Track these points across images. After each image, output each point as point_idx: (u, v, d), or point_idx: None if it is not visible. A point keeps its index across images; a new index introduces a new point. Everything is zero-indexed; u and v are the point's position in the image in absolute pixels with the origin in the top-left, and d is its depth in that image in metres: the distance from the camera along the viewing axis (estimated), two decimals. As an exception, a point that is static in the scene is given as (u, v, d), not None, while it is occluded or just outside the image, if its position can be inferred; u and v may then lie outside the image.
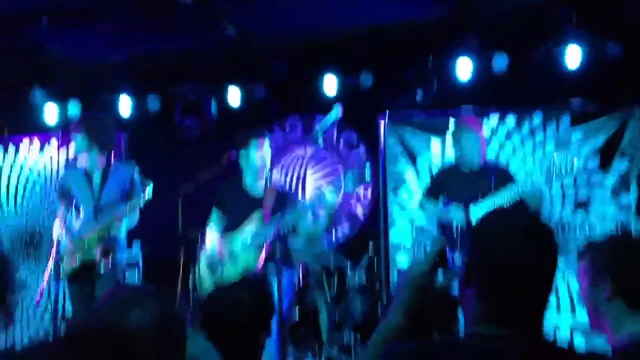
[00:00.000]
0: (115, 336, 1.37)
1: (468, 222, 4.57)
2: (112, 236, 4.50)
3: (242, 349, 2.42)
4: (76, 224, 4.46)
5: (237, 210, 4.53)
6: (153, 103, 6.90)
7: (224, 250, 4.48)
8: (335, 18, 5.80)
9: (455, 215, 4.61)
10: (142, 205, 4.56)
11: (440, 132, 6.08)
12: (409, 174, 6.20)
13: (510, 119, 6.01)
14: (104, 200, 4.51)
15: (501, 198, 4.54)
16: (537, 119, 5.88)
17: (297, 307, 5.31)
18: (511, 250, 1.48)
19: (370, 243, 5.86)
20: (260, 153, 4.50)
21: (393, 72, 6.28)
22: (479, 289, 1.51)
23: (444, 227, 4.71)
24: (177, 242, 6.07)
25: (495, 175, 4.68)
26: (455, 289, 1.63)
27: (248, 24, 5.92)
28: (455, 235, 4.59)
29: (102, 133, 4.56)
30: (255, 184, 4.56)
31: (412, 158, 6.20)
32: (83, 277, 4.44)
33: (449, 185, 4.83)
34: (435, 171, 5.73)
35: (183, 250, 5.96)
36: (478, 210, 4.59)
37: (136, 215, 4.65)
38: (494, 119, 6.03)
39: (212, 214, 4.74)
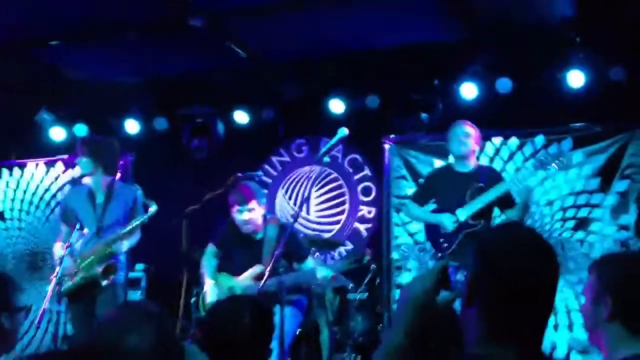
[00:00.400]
0: (113, 357, 1.38)
1: (459, 225, 4.60)
2: (114, 256, 4.51)
3: None
4: (78, 244, 4.48)
5: (237, 250, 4.47)
6: (161, 123, 6.96)
7: (220, 289, 4.38)
8: (343, 41, 5.87)
9: (445, 218, 4.64)
10: (141, 225, 4.59)
11: (445, 154, 6.10)
12: (413, 196, 6.22)
13: (514, 141, 6.06)
14: (107, 221, 4.54)
15: (490, 196, 4.58)
16: (540, 141, 5.94)
17: (300, 326, 5.28)
18: (516, 268, 1.48)
19: (373, 263, 5.87)
20: (240, 218, 4.33)
21: (399, 94, 6.34)
22: (482, 307, 1.50)
23: (432, 231, 4.74)
24: (181, 262, 6.10)
25: (486, 176, 4.73)
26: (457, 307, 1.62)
27: (257, 46, 5.99)
28: (443, 240, 4.63)
29: (107, 156, 4.61)
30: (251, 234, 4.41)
31: (416, 180, 6.23)
32: (84, 296, 4.45)
33: (439, 186, 4.86)
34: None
35: (186, 270, 5.98)
36: (466, 211, 4.62)
37: (138, 236, 4.67)
38: (496, 140, 6.09)
39: (208, 252, 4.61)
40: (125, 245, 4.51)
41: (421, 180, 6.02)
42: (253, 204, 4.29)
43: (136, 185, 5.00)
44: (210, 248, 4.63)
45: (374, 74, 6.46)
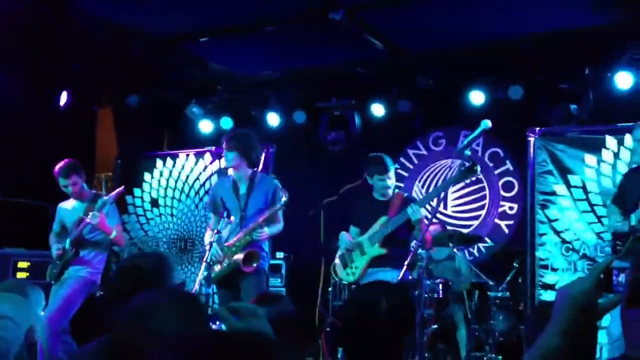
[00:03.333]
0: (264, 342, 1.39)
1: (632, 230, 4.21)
2: (254, 243, 4.66)
3: (378, 357, 2.34)
4: (225, 232, 4.68)
5: (368, 215, 4.80)
6: (300, 116, 7.12)
7: (354, 248, 4.75)
8: (483, 29, 5.66)
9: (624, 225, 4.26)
10: (281, 214, 4.71)
11: (596, 148, 5.70)
12: (560, 191, 5.87)
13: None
14: (249, 210, 4.71)
15: None
16: None
17: (436, 322, 5.20)
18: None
19: (516, 260, 5.63)
20: (382, 184, 4.79)
21: (545, 84, 6.02)
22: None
23: (619, 239, 4.36)
24: (319, 253, 6.21)
25: None
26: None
27: (395, 39, 5.95)
28: (620, 242, 4.25)
29: (250, 149, 4.80)
30: (382, 196, 4.86)
31: (564, 175, 5.86)
32: (230, 282, 4.65)
33: (627, 190, 4.48)
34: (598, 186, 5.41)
35: (324, 260, 6.09)
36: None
37: (280, 224, 4.79)
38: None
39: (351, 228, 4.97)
40: (265, 233, 4.63)
41: (573, 179, 5.70)
42: (392, 173, 4.82)
43: (273, 175, 5.15)
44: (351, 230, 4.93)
45: (517, 64, 6.19)
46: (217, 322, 1.56)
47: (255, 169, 4.86)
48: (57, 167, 5.11)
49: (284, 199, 4.62)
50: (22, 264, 6.12)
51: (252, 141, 4.85)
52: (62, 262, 5.11)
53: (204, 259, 4.40)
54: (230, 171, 4.84)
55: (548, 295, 5.57)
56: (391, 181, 4.82)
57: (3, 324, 1.71)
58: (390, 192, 4.82)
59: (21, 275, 6.05)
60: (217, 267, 4.62)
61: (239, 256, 4.56)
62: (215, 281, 4.64)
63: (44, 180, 5.54)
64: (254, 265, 4.57)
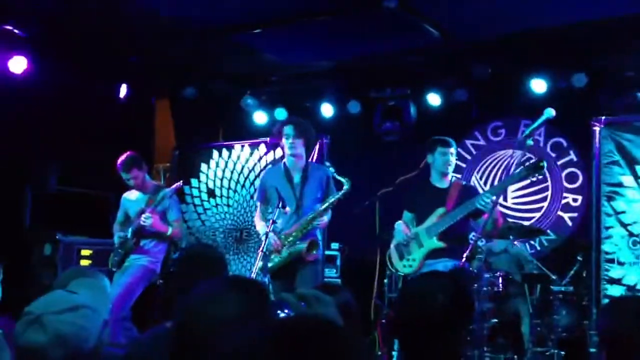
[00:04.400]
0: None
1: None
2: (312, 233, 4.66)
3: (429, 348, 2.26)
4: (280, 221, 4.68)
5: (424, 203, 4.74)
6: (354, 107, 7.07)
7: (411, 240, 4.68)
8: (544, 15, 5.46)
9: None
10: (334, 203, 4.67)
11: (665, 137, 5.45)
12: (628, 183, 5.64)
13: None
14: (305, 199, 4.70)
15: None
16: None
17: (496, 316, 5.07)
18: None
19: (580, 254, 5.45)
20: (444, 158, 4.74)
21: (611, 71, 5.78)
22: None
23: None
24: (374, 244, 6.16)
25: None
26: None
27: (451, 26, 5.81)
28: None
29: (312, 139, 4.82)
30: (441, 181, 4.79)
31: (632, 166, 5.62)
32: (287, 272, 4.63)
33: None
34: None
35: (379, 252, 6.03)
36: None
37: (329, 214, 4.77)
38: None
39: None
40: (325, 221, 4.64)
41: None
42: (454, 149, 4.83)
43: (328, 164, 5.12)
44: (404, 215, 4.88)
45: (580, 50, 5.97)
46: (284, 310, 1.55)
47: (309, 157, 4.87)
48: (119, 160, 5.22)
49: (345, 186, 4.60)
50: (85, 252, 6.31)
51: (313, 131, 4.88)
52: (124, 251, 5.23)
53: (260, 249, 4.42)
54: (288, 159, 4.77)
55: (614, 290, 5.37)
56: (453, 158, 4.77)
57: (83, 313, 1.74)
58: (450, 169, 4.77)
59: (84, 262, 6.24)
60: (276, 257, 4.61)
61: (301, 245, 4.55)
62: (271, 271, 4.64)
63: (106, 171, 5.68)
64: (314, 253, 4.57)
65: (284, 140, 4.76)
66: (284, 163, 4.85)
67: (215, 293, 1.50)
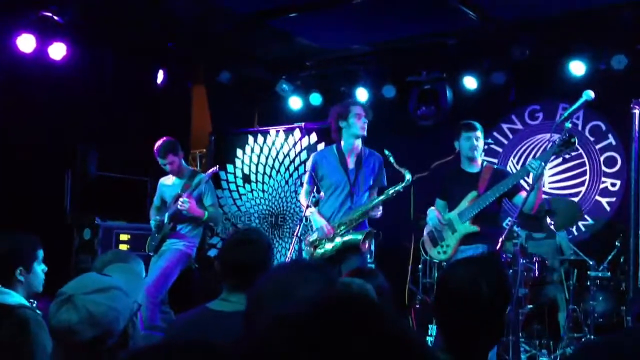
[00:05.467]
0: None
1: None
2: (363, 222, 4.56)
3: (472, 335, 2.26)
4: (326, 208, 4.61)
5: (456, 189, 4.62)
6: (389, 91, 7.02)
7: (444, 226, 4.57)
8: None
9: None
10: (394, 195, 4.55)
11: None
12: (669, 167, 5.50)
13: None
14: (359, 185, 4.59)
15: None
16: None
17: (532, 302, 5.03)
18: None
19: (618, 239, 5.35)
20: (469, 142, 4.57)
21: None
22: None
23: None
24: (408, 228, 6.15)
25: None
26: None
27: (489, 7, 5.72)
28: None
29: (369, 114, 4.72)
30: (471, 166, 4.64)
31: (673, 149, 5.48)
32: (334, 260, 4.50)
33: None
34: None
35: (414, 238, 6.02)
36: None
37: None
38: None
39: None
40: (381, 210, 4.56)
41: None
42: (479, 133, 4.61)
43: (387, 152, 4.86)
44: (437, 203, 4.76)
45: (620, 32, 5.80)
46: None
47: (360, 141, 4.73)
48: (156, 146, 5.29)
49: (407, 177, 4.45)
50: (124, 237, 6.45)
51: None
52: (161, 235, 5.33)
53: (295, 234, 4.41)
54: (348, 141, 4.62)
55: (653, 277, 5.27)
56: (478, 142, 4.57)
57: (114, 294, 1.80)
58: (477, 154, 4.58)
59: (122, 247, 6.37)
60: (326, 243, 4.54)
61: (357, 236, 4.47)
62: (321, 257, 4.52)
63: (144, 156, 5.78)
64: (368, 243, 4.50)
65: (354, 120, 4.60)
66: (338, 146, 4.70)
67: (289, 272, 1.59)
